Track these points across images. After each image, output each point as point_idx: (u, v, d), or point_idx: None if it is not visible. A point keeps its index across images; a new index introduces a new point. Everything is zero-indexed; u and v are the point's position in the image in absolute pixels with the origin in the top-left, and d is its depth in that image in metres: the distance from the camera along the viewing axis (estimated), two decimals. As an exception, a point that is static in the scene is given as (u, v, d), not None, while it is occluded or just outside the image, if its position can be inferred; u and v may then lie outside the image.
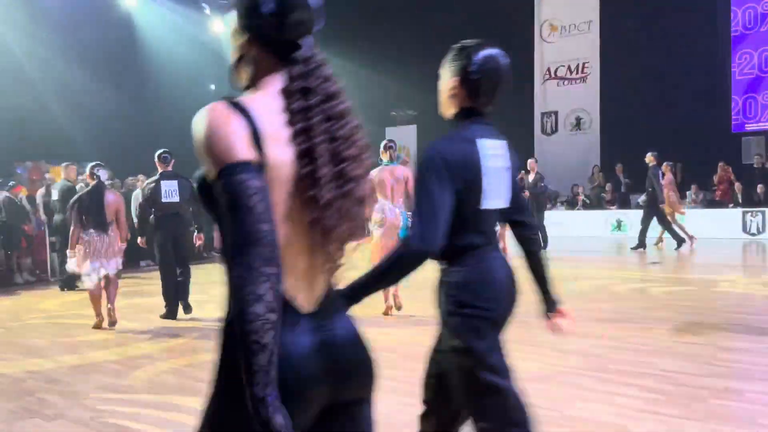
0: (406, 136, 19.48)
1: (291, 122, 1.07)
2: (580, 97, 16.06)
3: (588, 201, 14.62)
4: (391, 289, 5.65)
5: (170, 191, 5.65)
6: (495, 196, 1.77)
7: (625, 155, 14.70)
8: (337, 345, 1.13)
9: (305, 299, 1.11)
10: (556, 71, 16.44)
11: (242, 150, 1.01)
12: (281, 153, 1.05)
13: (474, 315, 1.71)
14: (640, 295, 6.30)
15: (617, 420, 2.92)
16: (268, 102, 1.09)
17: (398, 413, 3.10)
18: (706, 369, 3.67)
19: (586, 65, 15.97)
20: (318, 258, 1.12)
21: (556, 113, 16.52)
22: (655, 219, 10.44)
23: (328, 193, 1.08)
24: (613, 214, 13.79)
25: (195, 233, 6.22)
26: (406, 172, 5.83)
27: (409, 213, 6.14)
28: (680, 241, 10.46)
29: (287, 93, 1.10)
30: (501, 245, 9.01)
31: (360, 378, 1.20)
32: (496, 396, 1.75)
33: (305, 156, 1.06)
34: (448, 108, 1.86)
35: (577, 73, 16.16)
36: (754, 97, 14.11)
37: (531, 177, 10.92)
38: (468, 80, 1.77)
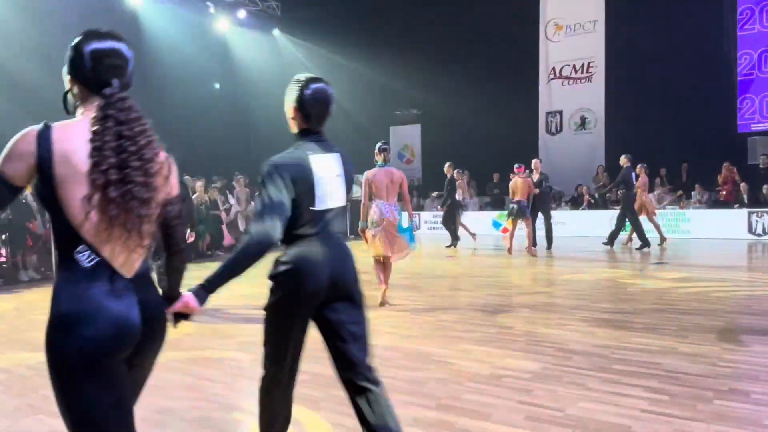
0: (410, 136, 19.49)
1: (90, 141, 1.49)
2: (585, 96, 16.01)
3: (593, 201, 14.59)
4: (385, 278, 6.00)
5: None
6: (328, 199, 2.20)
7: (630, 155, 14.64)
8: (151, 305, 1.60)
9: (126, 269, 1.55)
10: (561, 71, 16.40)
11: (8, 167, 1.48)
12: (78, 165, 1.47)
13: (284, 286, 2.14)
14: (644, 294, 6.28)
15: (621, 420, 2.91)
16: (80, 126, 1.53)
17: (399, 411, 3.11)
18: (711, 370, 3.66)
19: (591, 65, 15.92)
20: (128, 239, 1.53)
21: (560, 113, 16.48)
22: (630, 216, 10.90)
23: (113, 194, 1.47)
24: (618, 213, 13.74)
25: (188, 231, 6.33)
26: (401, 175, 5.96)
27: (404, 212, 6.23)
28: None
29: (93, 119, 1.53)
30: (508, 245, 8.96)
31: (159, 335, 1.67)
32: (277, 365, 2.27)
33: (96, 167, 1.47)
34: (291, 128, 2.30)
35: (582, 72, 16.11)
36: (761, 97, 14.04)
37: (535, 177, 10.89)
38: (302, 108, 2.21)
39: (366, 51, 17.83)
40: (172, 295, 1.79)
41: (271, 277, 2.19)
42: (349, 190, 2.32)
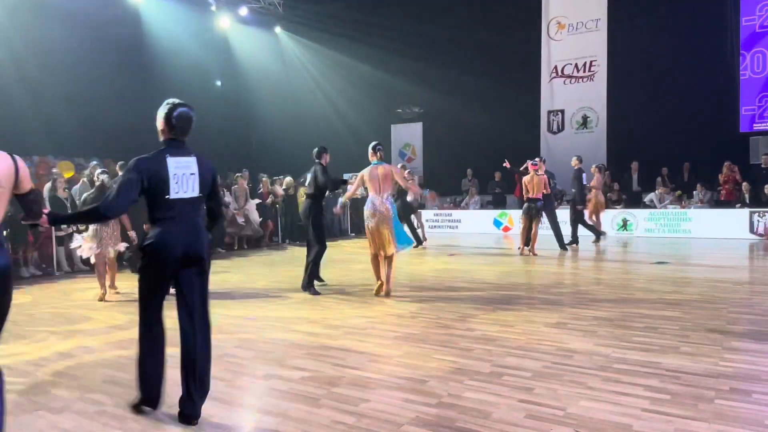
0: (411, 134, 19.46)
1: None
2: (586, 95, 15.97)
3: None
4: (383, 274, 6.36)
5: None
6: (182, 190, 2.97)
7: (631, 154, 14.63)
8: None
9: None
10: (563, 69, 16.36)
11: None
12: None
13: (148, 255, 2.99)
14: (645, 294, 6.27)
15: (622, 419, 2.91)
16: None
17: (400, 410, 3.11)
18: (713, 369, 3.65)
19: (593, 63, 15.88)
20: None
21: (562, 111, 16.45)
22: (573, 215, 11.54)
23: None
24: (619, 213, 13.73)
25: None
26: (392, 168, 6.51)
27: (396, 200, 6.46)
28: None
29: None
30: (522, 246, 9.17)
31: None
32: (145, 312, 3.11)
33: None
34: (160, 137, 3.09)
35: (584, 71, 16.08)
36: (763, 97, 14.00)
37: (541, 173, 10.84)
38: (169, 124, 3.04)
39: (367, 49, 17.81)
40: (36, 218, 2.78)
41: (141, 248, 3.02)
42: (206, 185, 3.08)
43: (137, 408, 3.14)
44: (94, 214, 3.05)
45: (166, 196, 2.92)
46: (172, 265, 2.97)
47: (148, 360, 3.11)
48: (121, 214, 3.00)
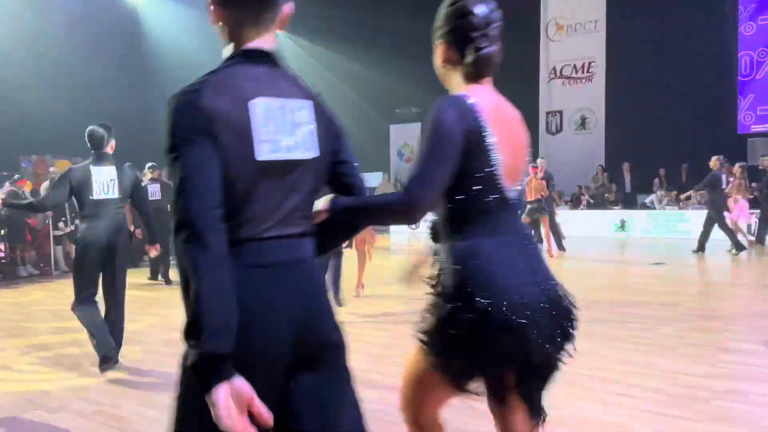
0: (410, 134, 19.47)
1: None
2: (585, 96, 16.00)
3: (592, 201, 14.58)
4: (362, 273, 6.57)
5: (153, 192, 7.52)
6: (103, 192, 3.73)
7: (630, 155, 14.66)
8: None
9: None
10: (561, 70, 16.38)
11: None
12: None
13: (79, 246, 3.75)
14: (643, 295, 6.28)
15: (619, 420, 2.92)
16: None
17: (394, 408, 3.10)
18: (710, 370, 3.66)
19: (591, 64, 15.91)
20: None
21: (561, 113, 16.47)
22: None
23: None
24: (617, 214, 13.75)
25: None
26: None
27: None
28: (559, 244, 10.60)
29: None
30: (546, 246, 9.14)
31: None
32: (79, 295, 3.83)
33: None
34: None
35: (582, 72, 16.10)
36: (761, 98, 14.04)
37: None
38: (88, 140, 3.83)
39: (366, 49, 17.81)
40: None
41: (73, 240, 3.58)
42: (124, 189, 3.85)
43: (102, 361, 3.71)
44: (31, 206, 4.15)
45: (91, 197, 3.70)
46: (98, 253, 3.69)
47: (86, 318, 3.75)
48: (50, 209, 3.52)
